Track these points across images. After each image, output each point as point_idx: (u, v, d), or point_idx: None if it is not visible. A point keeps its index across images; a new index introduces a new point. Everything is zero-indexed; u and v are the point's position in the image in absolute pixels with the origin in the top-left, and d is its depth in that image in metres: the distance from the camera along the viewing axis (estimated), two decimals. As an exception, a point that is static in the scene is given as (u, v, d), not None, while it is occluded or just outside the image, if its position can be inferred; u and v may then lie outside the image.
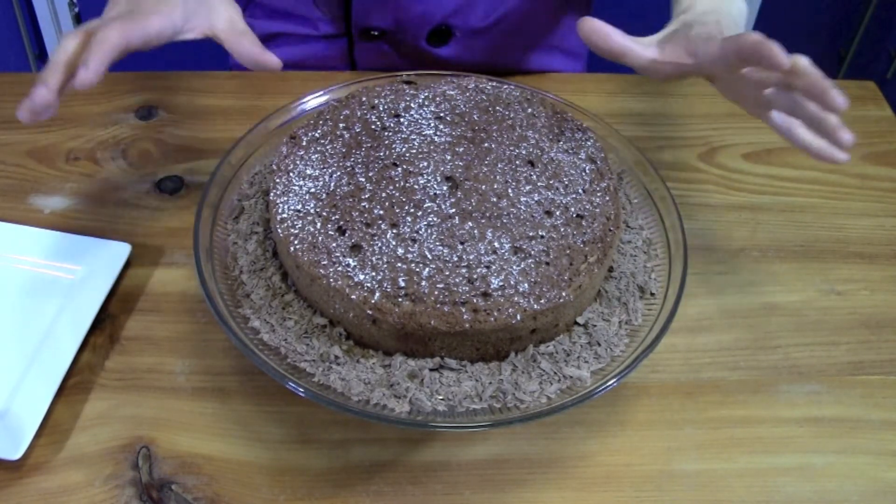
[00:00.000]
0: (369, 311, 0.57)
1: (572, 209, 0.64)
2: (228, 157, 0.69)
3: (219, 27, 0.67)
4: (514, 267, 0.59)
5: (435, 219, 0.61)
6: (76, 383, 0.65)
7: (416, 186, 0.63)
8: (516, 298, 0.57)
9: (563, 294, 0.58)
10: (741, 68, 0.60)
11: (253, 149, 0.71)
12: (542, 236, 0.61)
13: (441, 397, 0.57)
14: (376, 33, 0.92)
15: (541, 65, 0.99)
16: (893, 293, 0.76)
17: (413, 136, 0.67)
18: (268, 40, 0.96)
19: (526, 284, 0.58)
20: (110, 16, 0.62)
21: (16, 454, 0.59)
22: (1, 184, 0.80)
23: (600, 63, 1.07)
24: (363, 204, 0.62)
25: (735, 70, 0.61)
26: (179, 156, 0.84)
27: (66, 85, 0.58)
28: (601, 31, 0.63)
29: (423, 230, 0.60)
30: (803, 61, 0.56)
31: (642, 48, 0.64)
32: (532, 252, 0.60)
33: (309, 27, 0.95)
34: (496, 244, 0.60)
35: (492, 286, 0.58)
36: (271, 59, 0.68)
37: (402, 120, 0.69)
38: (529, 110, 0.71)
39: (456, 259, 0.59)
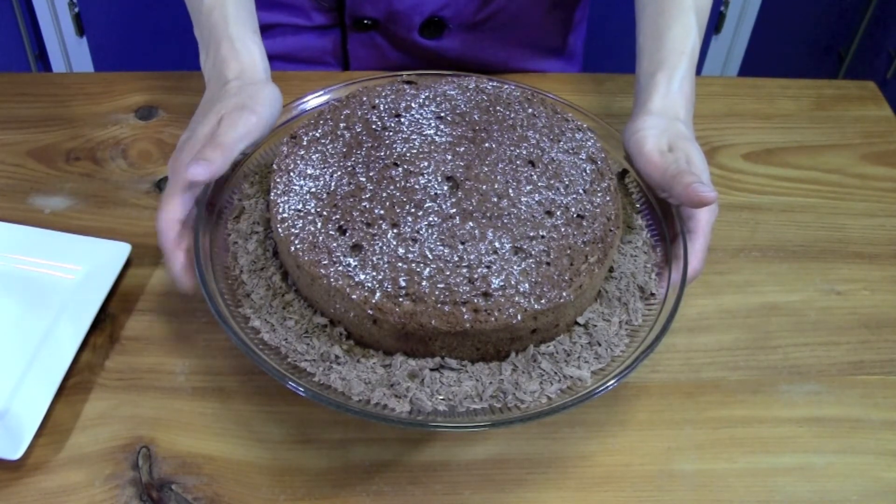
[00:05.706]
0: (370, 311, 0.57)
1: (573, 209, 0.64)
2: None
3: None
4: (515, 267, 0.59)
5: (436, 219, 0.61)
6: (76, 383, 0.65)
7: (416, 186, 0.63)
8: (517, 298, 0.57)
9: (564, 294, 0.58)
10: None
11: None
12: (542, 236, 0.61)
13: (441, 397, 0.57)
14: (368, 23, 0.92)
15: (536, 65, 0.99)
16: (893, 293, 0.76)
17: (414, 136, 0.67)
18: (261, 31, 0.96)
19: (526, 284, 0.58)
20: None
21: (16, 454, 0.59)
22: (1, 184, 0.80)
23: (596, 64, 1.07)
24: (364, 204, 0.62)
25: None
26: (179, 156, 0.84)
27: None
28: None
29: (423, 230, 0.60)
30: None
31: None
32: (533, 252, 0.60)
33: (302, 17, 0.95)
34: (497, 244, 0.60)
35: (492, 286, 0.58)
36: None
37: (402, 120, 0.69)
38: (530, 110, 0.71)
39: (457, 259, 0.59)
